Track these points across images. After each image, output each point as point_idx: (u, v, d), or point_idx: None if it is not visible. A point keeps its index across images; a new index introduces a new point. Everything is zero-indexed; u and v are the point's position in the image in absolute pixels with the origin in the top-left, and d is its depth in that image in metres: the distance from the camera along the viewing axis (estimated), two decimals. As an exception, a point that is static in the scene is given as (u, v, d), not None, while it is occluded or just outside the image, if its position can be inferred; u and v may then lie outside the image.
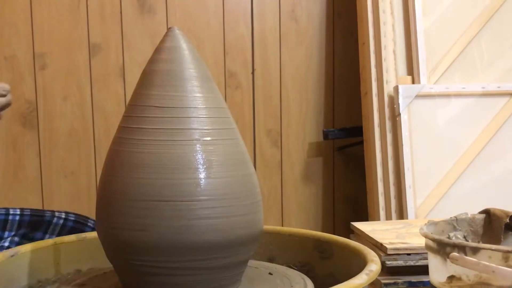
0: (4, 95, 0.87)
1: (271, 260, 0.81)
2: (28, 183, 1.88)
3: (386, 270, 0.81)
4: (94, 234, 0.71)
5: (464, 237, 0.76)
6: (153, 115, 0.66)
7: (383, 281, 0.81)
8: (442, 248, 0.64)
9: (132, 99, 0.69)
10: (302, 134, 2.00)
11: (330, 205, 2.04)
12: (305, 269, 0.78)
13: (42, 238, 0.93)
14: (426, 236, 0.68)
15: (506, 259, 0.57)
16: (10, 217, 0.94)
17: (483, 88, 1.71)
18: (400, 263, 0.81)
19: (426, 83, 1.69)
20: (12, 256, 0.72)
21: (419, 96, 1.66)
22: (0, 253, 0.72)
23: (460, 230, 0.76)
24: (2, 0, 1.78)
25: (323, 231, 1.63)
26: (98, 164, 1.89)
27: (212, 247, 0.64)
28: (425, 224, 0.71)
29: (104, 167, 0.69)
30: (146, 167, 0.64)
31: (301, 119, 1.99)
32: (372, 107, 1.73)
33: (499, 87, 1.72)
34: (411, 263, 0.81)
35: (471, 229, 0.77)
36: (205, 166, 0.64)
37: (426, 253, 0.71)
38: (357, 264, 0.66)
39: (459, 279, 0.63)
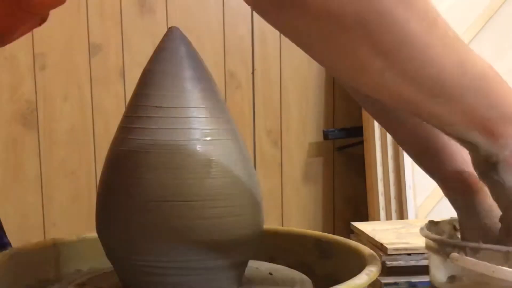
0: None
1: (271, 260, 0.81)
2: (28, 183, 1.88)
3: (386, 270, 0.81)
4: (94, 234, 0.71)
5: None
6: (153, 115, 0.65)
7: (383, 281, 0.81)
8: (442, 248, 0.64)
9: (132, 99, 0.69)
10: (302, 134, 2.00)
11: (330, 205, 2.04)
12: (305, 269, 0.77)
13: None
14: (426, 236, 0.68)
15: (506, 259, 0.57)
16: None
17: (483, 88, 1.71)
18: (400, 263, 0.81)
19: (426, 83, 1.68)
20: (12, 256, 0.72)
21: (419, 96, 1.66)
22: (0, 253, 0.72)
23: (460, 230, 0.76)
24: (2, 0, 1.77)
25: (323, 231, 1.63)
26: (98, 164, 1.90)
27: (212, 247, 0.64)
28: (426, 224, 0.71)
29: (104, 167, 0.69)
30: (146, 167, 0.64)
31: (301, 119, 1.99)
32: (372, 107, 1.72)
33: (499, 87, 1.71)
34: (412, 263, 0.81)
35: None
36: (205, 166, 0.64)
37: (427, 253, 0.71)
38: (357, 264, 0.66)
39: (460, 279, 0.63)
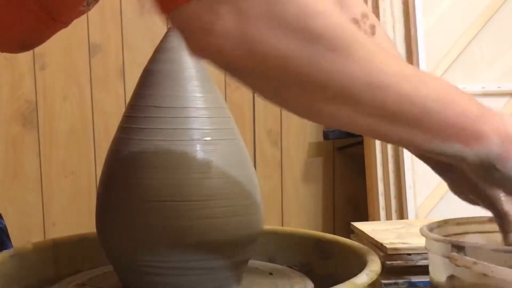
0: None
1: (271, 260, 0.81)
2: (28, 183, 1.88)
3: (386, 270, 0.81)
4: (94, 234, 0.71)
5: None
6: (153, 115, 0.65)
7: (383, 281, 0.81)
8: (442, 248, 0.64)
9: (132, 99, 0.69)
10: (302, 134, 2.00)
11: (330, 205, 2.04)
12: (305, 269, 0.77)
13: None
14: (426, 236, 0.68)
15: (506, 259, 0.57)
16: None
17: (483, 88, 1.71)
18: (400, 263, 0.81)
19: (426, 83, 1.68)
20: (12, 256, 0.72)
21: (419, 96, 1.66)
22: (0, 253, 0.72)
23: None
24: (2, 0, 1.78)
25: (323, 231, 1.63)
26: (98, 164, 1.89)
27: (212, 247, 0.64)
28: (426, 224, 0.71)
29: (104, 167, 0.69)
30: (146, 167, 0.64)
31: (301, 119, 1.99)
32: (372, 107, 1.72)
33: (499, 87, 1.72)
34: (411, 263, 0.81)
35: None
36: (205, 166, 0.64)
37: (426, 253, 0.71)
38: (357, 264, 0.66)
39: (459, 279, 0.63)
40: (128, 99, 0.76)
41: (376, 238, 0.85)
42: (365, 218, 1.86)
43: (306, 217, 2.02)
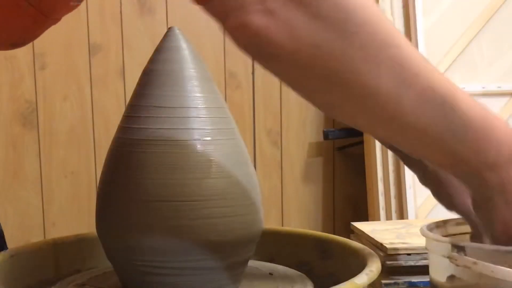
0: None
1: (271, 260, 0.81)
2: (28, 183, 1.88)
3: (386, 270, 0.81)
4: (94, 234, 0.71)
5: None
6: (153, 115, 0.65)
7: (383, 281, 0.81)
8: (442, 248, 0.64)
9: (132, 99, 0.69)
10: (302, 134, 2.00)
11: (330, 205, 2.04)
12: (305, 269, 0.77)
13: None
14: (426, 236, 0.68)
15: (506, 259, 0.57)
16: None
17: (483, 88, 1.71)
18: (400, 263, 0.81)
19: (426, 83, 1.68)
20: (12, 256, 0.72)
21: (419, 96, 1.66)
22: (0, 253, 0.72)
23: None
24: (2, 0, 1.77)
25: (323, 231, 1.63)
26: (98, 164, 1.90)
27: (212, 247, 0.64)
28: (426, 224, 0.71)
29: (104, 167, 0.69)
30: (146, 167, 0.64)
31: (301, 119, 1.99)
32: (372, 107, 1.72)
33: (499, 87, 1.72)
34: (411, 263, 0.81)
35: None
36: (205, 166, 0.64)
37: (426, 253, 0.71)
38: (357, 264, 0.66)
39: (459, 279, 0.63)
40: (128, 99, 0.76)
41: (376, 238, 0.85)
42: (365, 218, 1.86)
43: (306, 217, 2.02)
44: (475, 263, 0.57)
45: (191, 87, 0.67)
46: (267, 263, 0.79)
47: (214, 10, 0.49)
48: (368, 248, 0.71)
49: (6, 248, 0.90)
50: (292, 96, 1.98)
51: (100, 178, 0.69)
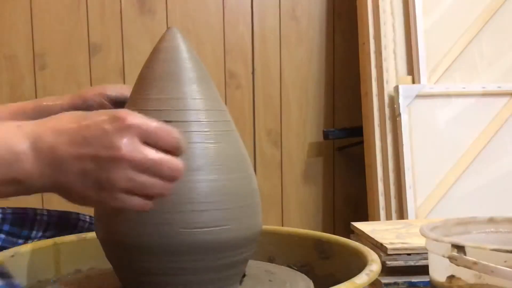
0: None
1: (271, 260, 0.81)
2: (28, 183, 1.88)
3: (386, 270, 0.81)
4: (94, 234, 0.71)
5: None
6: (153, 117, 0.65)
7: (383, 281, 0.81)
8: (442, 248, 0.64)
9: (130, 103, 0.69)
10: (302, 134, 2.00)
11: (330, 205, 2.04)
12: (305, 269, 0.77)
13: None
14: (426, 236, 0.68)
15: (506, 259, 0.57)
16: (38, 217, 0.94)
17: (483, 88, 1.71)
18: (400, 263, 0.81)
19: (426, 83, 1.69)
20: (12, 256, 0.72)
21: (419, 96, 1.66)
22: (0, 253, 0.72)
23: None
24: (2, 0, 1.78)
25: (323, 231, 1.63)
26: (98, 164, 1.89)
27: (211, 247, 0.64)
28: (426, 224, 0.71)
29: (104, 167, 0.69)
30: (146, 167, 0.64)
31: (301, 119, 1.99)
32: (372, 107, 1.73)
33: (499, 87, 1.72)
34: (411, 263, 0.81)
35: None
36: (204, 168, 0.64)
37: (426, 253, 0.71)
38: (357, 264, 0.66)
39: (459, 279, 0.63)
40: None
41: (376, 238, 0.85)
42: (365, 218, 1.86)
43: (306, 217, 2.02)
44: (475, 263, 0.57)
45: (190, 90, 0.67)
46: (267, 263, 0.79)
47: None
48: (368, 248, 0.71)
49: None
50: (292, 96, 1.98)
51: (100, 178, 0.69)
